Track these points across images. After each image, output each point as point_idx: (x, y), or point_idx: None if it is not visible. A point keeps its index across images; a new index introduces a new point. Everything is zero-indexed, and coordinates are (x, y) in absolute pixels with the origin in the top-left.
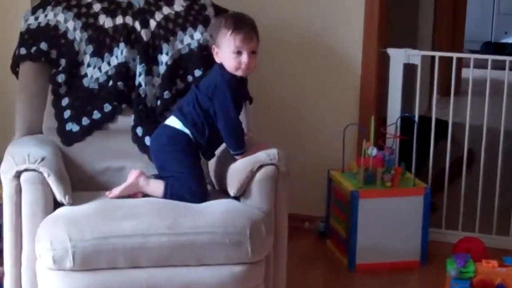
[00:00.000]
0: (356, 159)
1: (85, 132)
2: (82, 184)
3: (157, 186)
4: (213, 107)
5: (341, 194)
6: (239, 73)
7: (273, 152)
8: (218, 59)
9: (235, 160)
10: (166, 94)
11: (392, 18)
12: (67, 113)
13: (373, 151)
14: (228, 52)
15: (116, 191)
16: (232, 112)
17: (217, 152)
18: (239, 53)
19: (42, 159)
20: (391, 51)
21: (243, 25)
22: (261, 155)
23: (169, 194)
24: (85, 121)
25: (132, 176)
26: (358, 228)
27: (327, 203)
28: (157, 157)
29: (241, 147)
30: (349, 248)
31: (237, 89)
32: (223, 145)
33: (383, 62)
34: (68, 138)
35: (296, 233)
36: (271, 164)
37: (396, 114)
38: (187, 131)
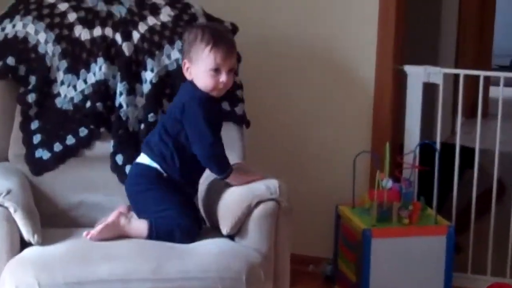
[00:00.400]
0: (368, 193)
1: (57, 160)
2: (53, 220)
3: (140, 227)
4: (184, 131)
5: (351, 233)
6: (214, 93)
7: (273, 184)
8: (189, 75)
9: (226, 186)
10: (151, 117)
11: (409, 31)
12: (37, 138)
13: (388, 183)
14: (204, 70)
15: (95, 232)
16: (206, 133)
17: (206, 181)
18: (216, 70)
19: (8, 192)
20: (408, 69)
21: (223, 39)
22: (260, 188)
23: (155, 234)
24: (57, 147)
25: (112, 215)
26: (371, 271)
27: (335, 242)
28: (132, 200)
29: (224, 169)
30: None
31: (212, 107)
32: (212, 175)
33: (400, 81)
34: (38, 167)
35: (300, 277)
36: (272, 199)
37: (414, 141)
38: (155, 165)
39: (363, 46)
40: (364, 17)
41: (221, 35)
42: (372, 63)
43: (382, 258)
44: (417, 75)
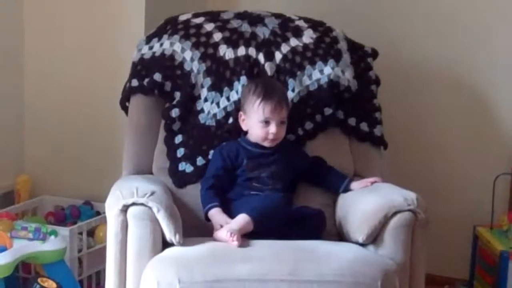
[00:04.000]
0: (508, 215)
1: (199, 174)
2: (193, 231)
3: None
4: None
5: (488, 255)
6: (266, 143)
7: (411, 196)
8: (244, 126)
9: (361, 196)
10: (291, 137)
11: None
12: (180, 152)
13: None
14: (255, 121)
15: (238, 237)
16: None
17: (341, 191)
18: (267, 122)
19: (152, 193)
20: None
21: (273, 94)
22: (397, 199)
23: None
24: (200, 161)
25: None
26: None
27: (471, 264)
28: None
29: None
30: None
31: (256, 157)
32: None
33: None
34: (181, 180)
35: None
36: (409, 210)
37: None
38: None
39: (507, 70)
40: (503, 43)
41: (271, 89)
42: (511, 84)
43: None
44: None
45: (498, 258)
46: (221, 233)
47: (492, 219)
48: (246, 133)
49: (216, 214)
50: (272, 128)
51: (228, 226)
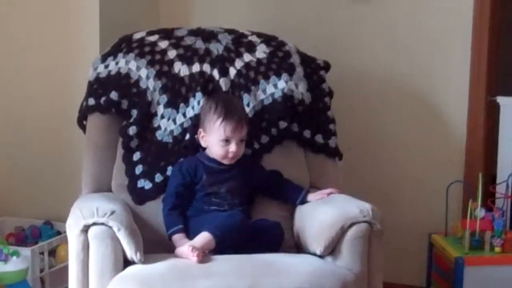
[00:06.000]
0: (461, 222)
1: (158, 190)
2: (154, 247)
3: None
4: None
5: (443, 261)
6: (225, 161)
7: (366, 207)
8: (203, 143)
9: (317, 208)
10: (247, 151)
11: (503, 62)
12: (139, 169)
13: (481, 212)
14: (216, 140)
15: (200, 254)
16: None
17: (298, 203)
18: (227, 141)
19: (112, 213)
20: (502, 100)
21: (234, 113)
22: (353, 211)
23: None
24: (158, 177)
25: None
26: None
27: (428, 271)
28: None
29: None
30: None
31: (215, 173)
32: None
33: (492, 112)
34: (140, 196)
35: None
36: (364, 221)
37: (507, 171)
38: None
39: (455, 77)
40: (456, 47)
41: (232, 108)
42: (465, 94)
43: (475, 286)
44: (510, 106)
45: (454, 265)
46: (183, 248)
47: (447, 227)
48: (204, 148)
49: (179, 240)
50: (232, 147)
51: (190, 242)
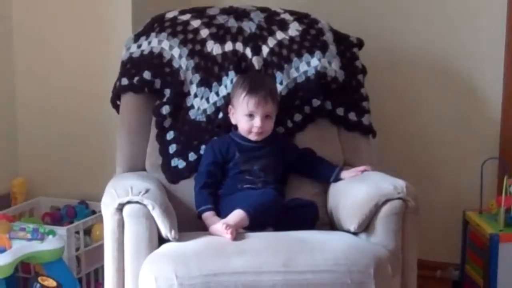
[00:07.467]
0: (496, 199)
1: (192, 169)
2: (188, 225)
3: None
4: None
5: (478, 238)
6: (251, 136)
7: (400, 184)
8: (233, 119)
9: (352, 185)
10: (279, 129)
11: None
12: (172, 148)
13: None
14: (241, 115)
15: (233, 231)
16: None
17: (331, 181)
18: (251, 116)
19: (146, 191)
20: None
21: (258, 88)
22: (387, 188)
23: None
24: (191, 156)
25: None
26: (498, 276)
27: (462, 248)
28: None
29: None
30: None
31: (248, 150)
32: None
33: None
34: (174, 175)
35: (426, 282)
36: (399, 198)
37: None
38: None
39: (491, 55)
40: (491, 31)
41: (258, 83)
42: (500, 72)
43: (510, 262)
44: None
45: (488, 241)
46: (217, 226)
47: (481, 204)
48: (237, 127)
49: (208, 218)
50: (256, 122)
51: (224, 220)
